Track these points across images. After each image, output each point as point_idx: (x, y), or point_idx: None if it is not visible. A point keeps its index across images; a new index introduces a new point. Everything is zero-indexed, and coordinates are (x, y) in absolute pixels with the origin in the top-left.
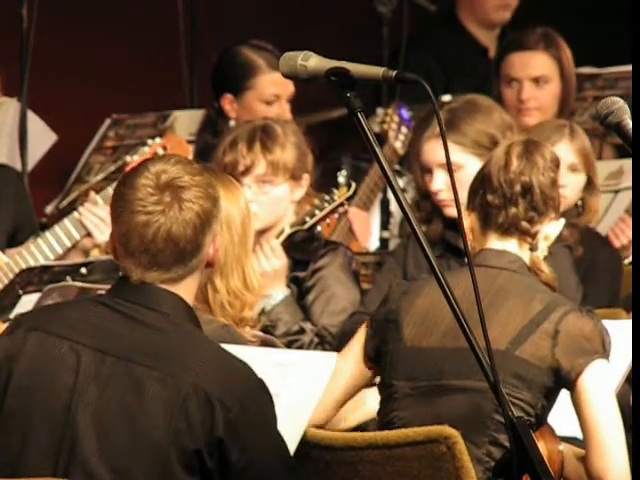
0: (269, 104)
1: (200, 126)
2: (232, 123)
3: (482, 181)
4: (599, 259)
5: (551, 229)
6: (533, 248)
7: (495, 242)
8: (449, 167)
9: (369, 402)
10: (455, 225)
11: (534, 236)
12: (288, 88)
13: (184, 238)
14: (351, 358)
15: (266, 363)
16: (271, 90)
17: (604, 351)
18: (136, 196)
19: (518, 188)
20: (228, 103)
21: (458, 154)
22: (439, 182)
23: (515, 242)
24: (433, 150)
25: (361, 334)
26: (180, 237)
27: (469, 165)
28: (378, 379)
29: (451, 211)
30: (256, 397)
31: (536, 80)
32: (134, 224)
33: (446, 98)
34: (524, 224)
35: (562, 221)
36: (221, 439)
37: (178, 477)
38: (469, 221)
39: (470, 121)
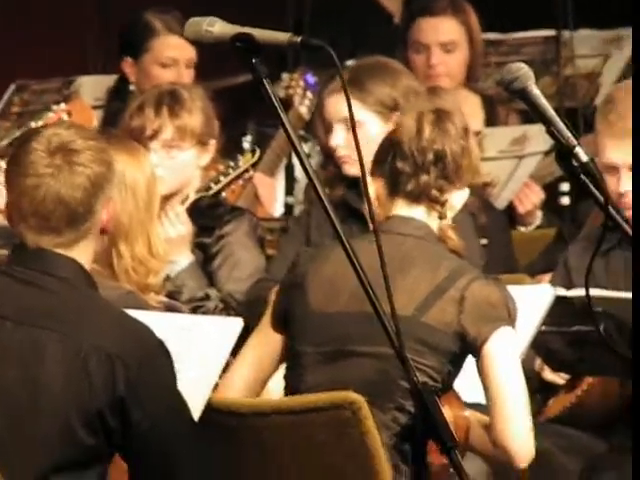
0: (166, 67)
1: (107, 91)
2: (132, 87)
3: (391, 148)
4: (488, 223)
5: (457, 198)
6: (442, 216)
7: (402, 209)
8: (352, 124)
9: None
10: (357, 187)
11: (443, 204)
12: (186, 52)
13: (74, 201)
14: (264, 326)
15: (171, 328)
16: (168, 53)
17: (509, 318)
18: (28, 159)
19: (430, 156)
20: (128, 67)
21: (359, 111)
22: (338, 137)
23: (423, 209)
24: (333, 105)
25: (271, 302)
26: (70, 200)
27: (368, 123)
28: None
29: (349, 168)
30: (156, 357)
31: (444, 46)
32: (25, 187)
33: (351, 64)
34: (434, 192)
35: (467, 191)
36: (122, 398)
37: (81, 438)
38: (375, 188)
39: (376, 80)
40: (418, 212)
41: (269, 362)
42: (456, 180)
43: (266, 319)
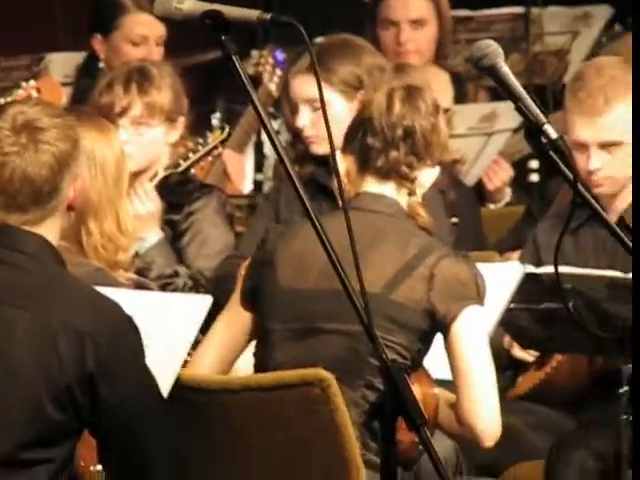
0: (136, 45)
1: (77, 68)
2: (101, 64)
3: (361, 124)
4: (457, 200)
5: (427, 175)
6: (411, 193)
7: (372, 186)
8: (322, 104)
9: None
10: (326, 164)
11: (413, 181)
12: (156, 30)
13: (40, 179)
14: (233, 304)
15: (140, 305)
16: (138, 30)
17: (478, 296)
18: None
19: (400, 132)
20: (98, 43)
21: (324, 91)
22: (304, 118)
23: (393, 186)
24: (299, 85)
25: (240, 279)
26: (36, 178)
27: (333, 102)
28: None
29: (316, 148)
30: (125, 333)
31: (414, 22)
32: None
33: (320, 40)
34: (404, 168)
35: (437, 169)
36: (91, 374)
37: (50, 414)
38: (345, 165)
39: (339, 59)
40: (388, 189)
41: (238, 339)
42: (426, 157)
43: (235, 296)
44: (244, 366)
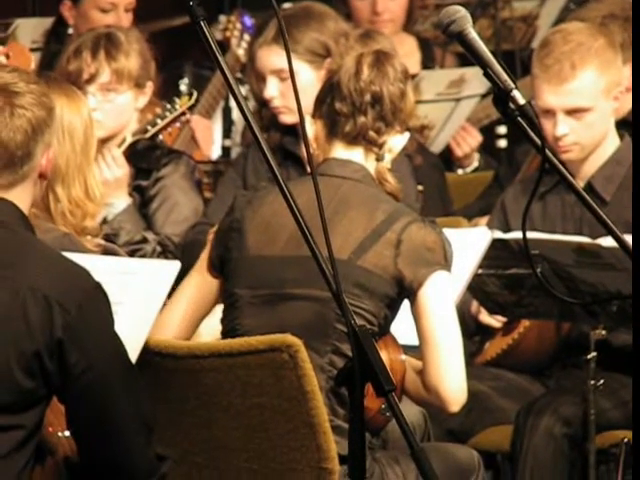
0: (105, 12)
1: (45, 34)
2: (70, 30)
3: (330, 89)
4: (424, 165)
5: (396, 141)
6: (379, 158)
7: (340, 151)
8: (291, 73)
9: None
10: (294, 132)
11: (381, 146)
12: None
13: (14, 144)
14: (199, 269)
15: (108, 271)
16: None
17: (446, 262)
18: None
19: (368, 97)
20: (67, 10)
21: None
22: (272, 89)
23: (361, 152)
24: (266, 56)
25: (208, 245)
26: (10, 142)
27: (301, 72)
28: None
29: (285, 118)
30: (94, 300)
31: None
32: None
33: (288, 5)
34: (372, 134)
35: (407, 134)
36: (60, 340)
37: (19, 381)
38: (314, 129)
39: (303, 29)
40: (356, 154)
41: (202, 304)
42: (394, 122)
43: (202, 262)
44: (205, 330)
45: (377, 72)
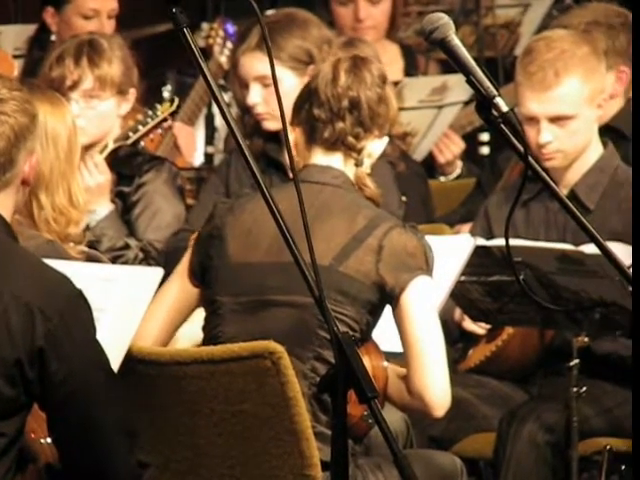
0: (88, 19)
1: (28, 41)
2: (53, 37)
3: (308, 95)
4: (406, 172)
5: (375, 146)
6: (358, 163)
7: (320, 157)
8: (274, 80)
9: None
10: (276, 139)
11: (360, 152)
12: (108, 3)
13: None
14: (179, 276)
15: (91, 278)
16: (90, 5)
17: (427, 267)
18: None
19: (345, 103)
20: (50, 16)
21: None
22: (255, 95)
23: (340, 157)
24: (249, 63)
25: (188, 252)
26: None
27: (284, 79)
28: None
29: (268, 124)
30: (76, 308)
31: None
32: None
33: (271, 12)
34: (350, 139)
35: (386, 139)
36: (41, 349)
37: (1, 389)
38: (293, 136)
39: (287, 35)
40: (335, 160)
41: (181, 311)
42: (373, 127)
43: (182, 268)
44: (182, 338)
45: (354, 77)
